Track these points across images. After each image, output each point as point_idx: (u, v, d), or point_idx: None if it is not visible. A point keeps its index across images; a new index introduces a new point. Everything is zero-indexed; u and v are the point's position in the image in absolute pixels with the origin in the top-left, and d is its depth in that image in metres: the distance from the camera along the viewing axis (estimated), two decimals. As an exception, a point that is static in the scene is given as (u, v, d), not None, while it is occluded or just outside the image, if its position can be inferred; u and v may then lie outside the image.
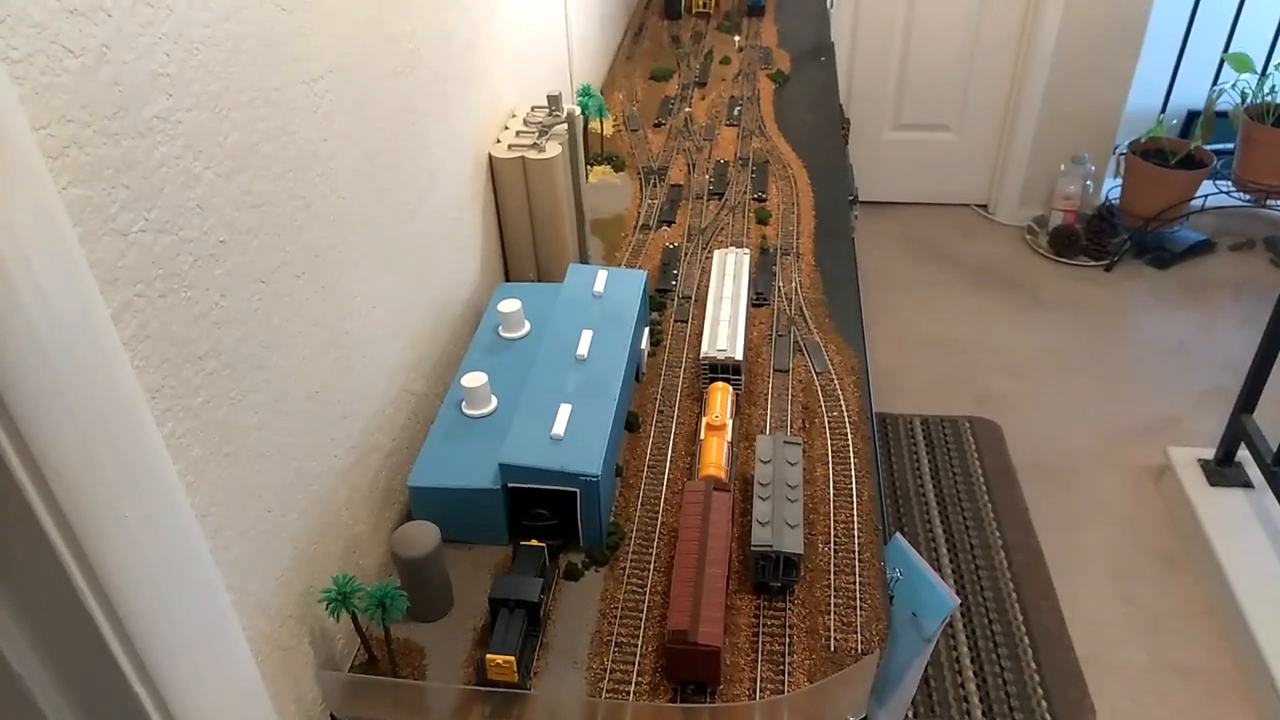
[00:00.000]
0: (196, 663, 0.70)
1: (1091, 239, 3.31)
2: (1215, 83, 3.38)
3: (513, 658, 0.89)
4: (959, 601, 1.22)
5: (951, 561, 2.30)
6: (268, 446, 0.82)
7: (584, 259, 1.54)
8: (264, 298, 0.80)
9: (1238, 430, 2.26)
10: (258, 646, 0.81)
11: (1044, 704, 1.99)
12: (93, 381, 0.57)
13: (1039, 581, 2.25)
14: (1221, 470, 2.34)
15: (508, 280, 1.53)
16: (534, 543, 1.01)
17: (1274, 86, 3.02)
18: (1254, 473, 2.29)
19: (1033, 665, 2.06)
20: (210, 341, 0.72)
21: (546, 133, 1.43)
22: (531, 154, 1.39)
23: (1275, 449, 2.13)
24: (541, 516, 1.05)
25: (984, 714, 1.97)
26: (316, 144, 0.87)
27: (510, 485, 1.03)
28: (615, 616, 1.00)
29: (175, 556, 0.66)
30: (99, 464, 0.58)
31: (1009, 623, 2.15)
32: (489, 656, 0.89)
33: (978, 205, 3.69)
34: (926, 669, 2.06)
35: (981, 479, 2.54)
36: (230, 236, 0.74)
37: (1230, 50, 3.31)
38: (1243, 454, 2.31)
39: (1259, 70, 3.09)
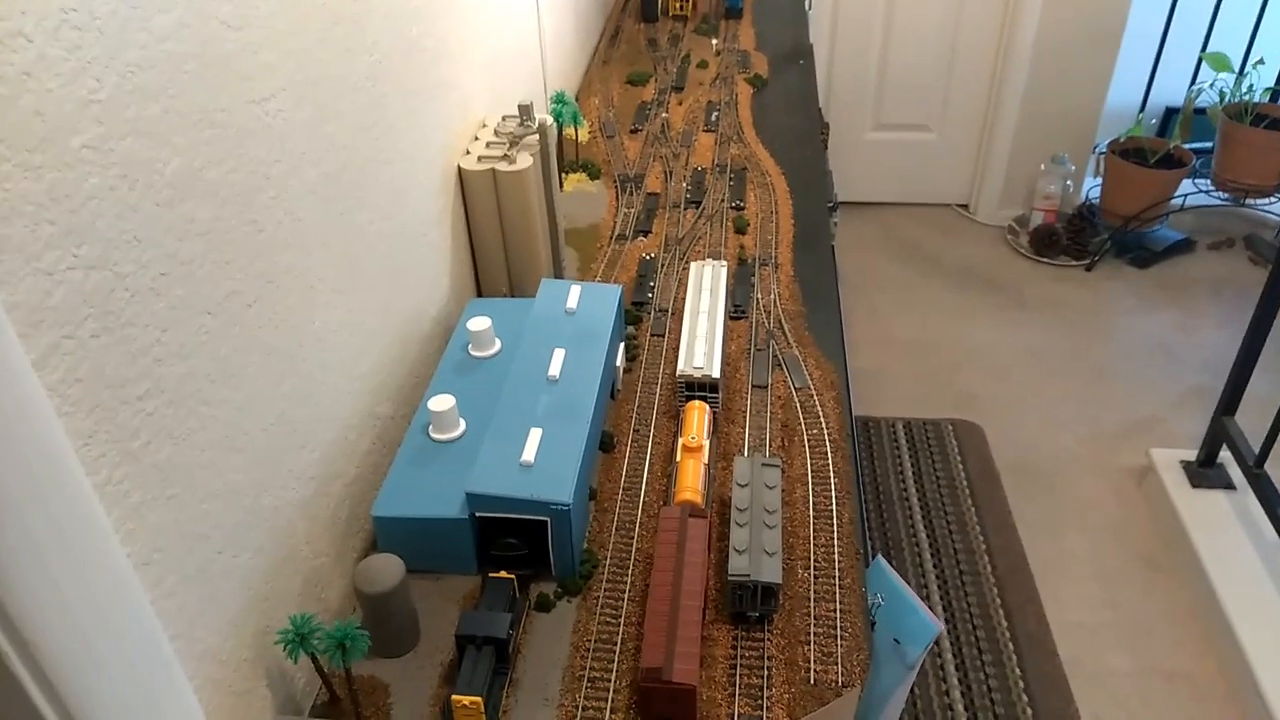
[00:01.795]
0: (139, 721, 0.66)
1: (1072, 239, 3.31)
2: (1194, 81, 3.37)
3: (480, 699, 0.86)
4: (943, 628, 1.19)
5: (935, 566, 2.28)
6: (217, 485, 0.78)
7: (558, 272, 1.50)
8: (211, 330, 0.76)
9: (1219, 432, 2.25)
10: (208, 695, 0.78)
11: (1029, 711, 1.97)
12: (11, 435, 0.53)
13: (1023, 586, 2.23)
14: (1204, 472, 2.34)
15: (480, 295, 1.49)
16: (503, 574, 0.97)
17: (1251, 85, 3.01)
18: (1236, 474, 2.29)
19: (1017, 671, 2.05)
20: (150, 380, 0.68)
21: (518, 143, 1.39)
22: (502, 166, 1.35)
23: (1257, 451, 2.12)
24: (511, 546, 1.02)
25: (968, 722, 1.95)
26: (269, 166, 0.83)
27: (478, 515, 1.00)
28: (588, 650, 0.97)
29: (110, 613, 0.62)
30: (22, 522, 0.54)
31: (993, 628, 2.13)
32: (455, 698, 0.86)
33: (958, 205, 3.67)
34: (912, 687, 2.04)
35: (965, 482, 2.53)
36: (172, 268, 0.70)
37: (1208, 49, 3.30)
38: (1225, 455, 2.30)
39: (1236, 69, 3.08)
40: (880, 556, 1.11)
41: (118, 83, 0.63)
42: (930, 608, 2.16)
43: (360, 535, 1.08)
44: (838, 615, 0.99)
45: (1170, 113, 3.49)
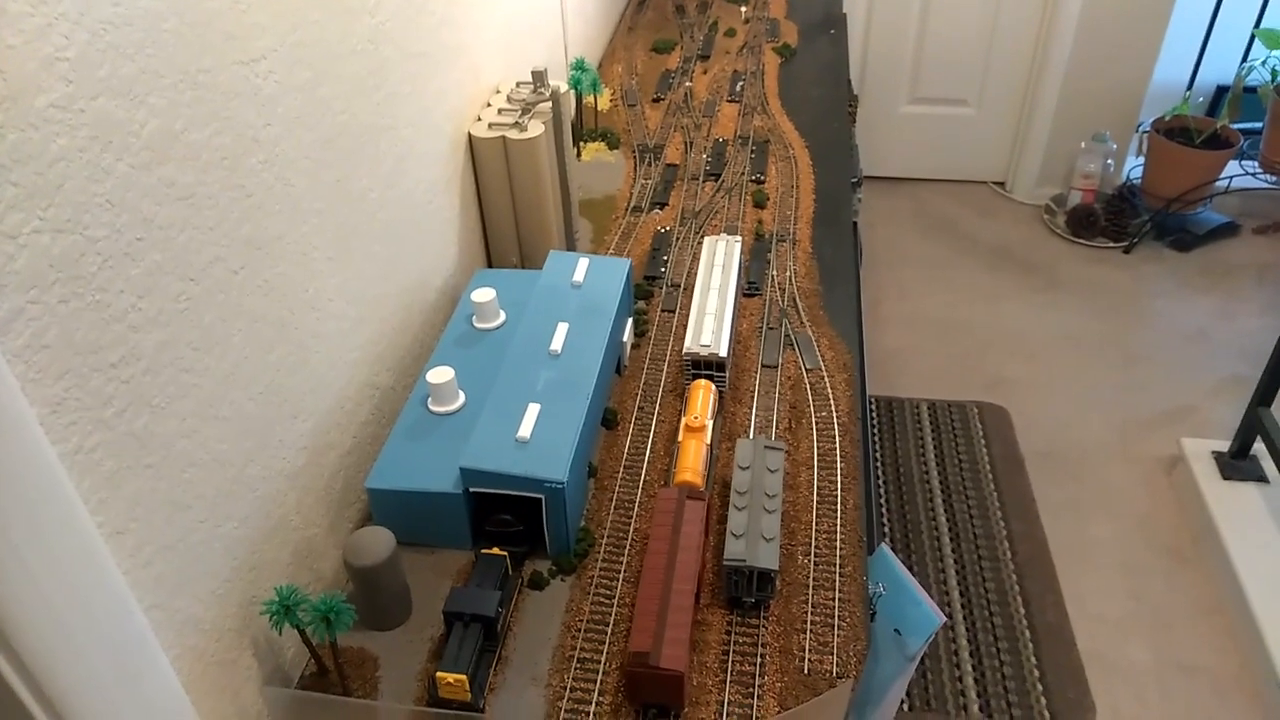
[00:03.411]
0: (108, 689, 0.65)
1: (1111, 219, 3.21)
2: (1245, 59, 3.24)
3: (464, 676, 0.84)
4: (945, 620, 1.16)
5: (954, 551, 2.25)
6: (200, 454, 0.77)
7: (570, 243, 1.47)
8: (193, 296, 0.74)
9: (1254, 423, 2.18)
10: (188, 664, 0.77)
11: (1043, 700, 1.94)
12: (-32, 402, 0.52)
13: (1043, 574, 2.19)
14: (1236, 463, 2.27)
15: (490, 265, 1.47)
16: (495, 551, 0.96)
17: (1307, 63, 2.89)
18: (1269, 467, 2.22)
19: (1033, 660, 2.01)
20: (125, 347, 0.67)
21: (530, 111, 1.36)
22: (513, 133, 1.32)
23: (1293, 444, 2.05)
24: (507, 522, 1.00)
25: (981, 709, 1.92)
26: (258, 129, 0.81)
27: (472, 490, 0.98)
28: (579, 630, 0.95)
29: (77, 581, 0.61)
30: (-20, 490, 0.54)
31: (1010, 616, 2.10)
32: (439, 675, 0.85)
33: (995, 183, 3.58)
34: (924, 660, 2.02)
35: (988, 467, 2.48)
36: (149, 233, 0.68)
37: (1261, 25, 3.17)
38: (1258, 447, 2.23)
39: (1292, 46, 2.96)
40: (884, 545, 1.08)
41: (88, 40, 0.61)
42: (946, 593, 2.13)
43: (355, 506, 1.07)
44: (836, 604, 0.96)
45: (1221, 91, 3.37)
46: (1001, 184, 3.57)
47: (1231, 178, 3.07)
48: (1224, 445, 2.30)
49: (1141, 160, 3.22)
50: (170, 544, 0.74)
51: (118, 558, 0.67)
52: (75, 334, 0.62)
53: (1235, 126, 3.05)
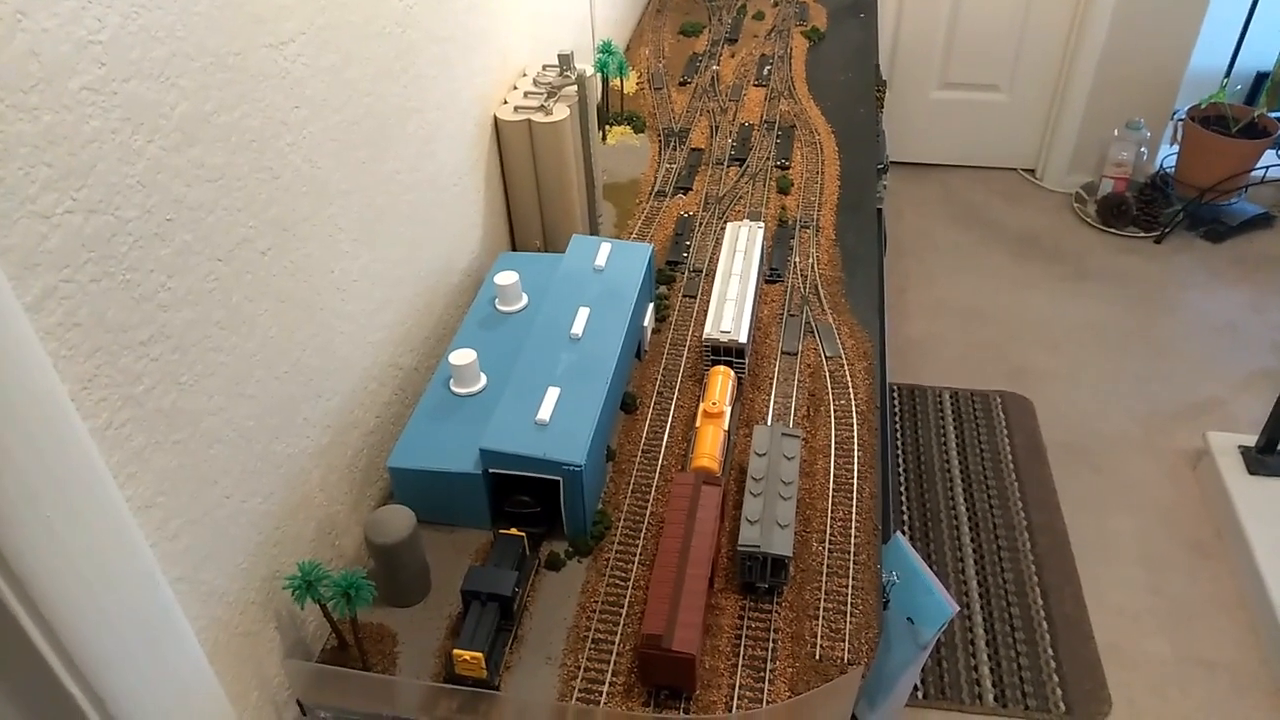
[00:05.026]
0: (134, 657, 0.67)
1: (1143, 209, 3.17)
2: (1287, 45, 3.18)
3: (481, 654, 0.86)
4: (958, 609, 1.16)
5: (973, 541, 2.24)
6: (227, 431, 0.79)
7: (594, 227, 1.48)
8: (221, 277, 0.76)
9: (1283, 418, 2.16)
10: (212, 635, 0.79)
11: (1059, 691, 1.94)
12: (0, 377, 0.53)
13: (1062, 566, 2.18)
14: (1262, 458, 2.24)
15: (514, 248, 1.48)
16: (513, 531, 0.97)
17: (1350, 51, 2.83)
18: (1297, 463, 2.20)
19: (1050, 651, 2.01)
20: (155, 326, 0.68)
21: (555, 94, 1.36)
22: (538, 117, 1.33)
23: (1322, 441, 2.02)
24: (525, 503, 1.02)
25: (996, 699, 1.93)
26: (286, 111, 0.82)
27: (491, 471, 1.00)
28: (595, 611, 0.96)
29: (107, 553, 0.63)
30: (14, 464, 0.55)
31: (1028, 607, 2.09)
32: (456, 652, 0.86)
33: (1025, 170, 3.54)
34: (939, 649, 2.02)
35: (1009, 457, 2.47)
36: (179, 213, 0.70)
37: (1305, 11, 3.10)
38: (1286, 443, 2.21)
39: (1335, 33, 2.89)
40: (899, 534, 1.08)
41: (120, 23, 0.62)
42: (964, 582, 2.13)
43: (378, 485, 1.09)
44: (849, 592, 0.97)
45: (1260, 78, 3.30)
46: (1032, 171, 3.53)
47: (1268, 168, 3.02)
48: (1251, 440, 2.27)
49: (1176, 149, 3.17)
50: (197, 518, 0.75)
51: (146, 530, 0.69)
52: (106, 312, 0.63)
53: (1273, 115, 2.99)
